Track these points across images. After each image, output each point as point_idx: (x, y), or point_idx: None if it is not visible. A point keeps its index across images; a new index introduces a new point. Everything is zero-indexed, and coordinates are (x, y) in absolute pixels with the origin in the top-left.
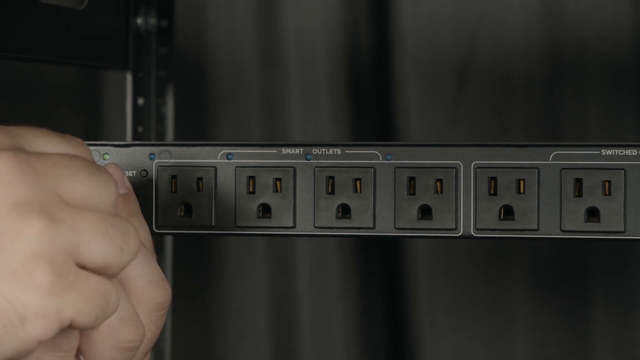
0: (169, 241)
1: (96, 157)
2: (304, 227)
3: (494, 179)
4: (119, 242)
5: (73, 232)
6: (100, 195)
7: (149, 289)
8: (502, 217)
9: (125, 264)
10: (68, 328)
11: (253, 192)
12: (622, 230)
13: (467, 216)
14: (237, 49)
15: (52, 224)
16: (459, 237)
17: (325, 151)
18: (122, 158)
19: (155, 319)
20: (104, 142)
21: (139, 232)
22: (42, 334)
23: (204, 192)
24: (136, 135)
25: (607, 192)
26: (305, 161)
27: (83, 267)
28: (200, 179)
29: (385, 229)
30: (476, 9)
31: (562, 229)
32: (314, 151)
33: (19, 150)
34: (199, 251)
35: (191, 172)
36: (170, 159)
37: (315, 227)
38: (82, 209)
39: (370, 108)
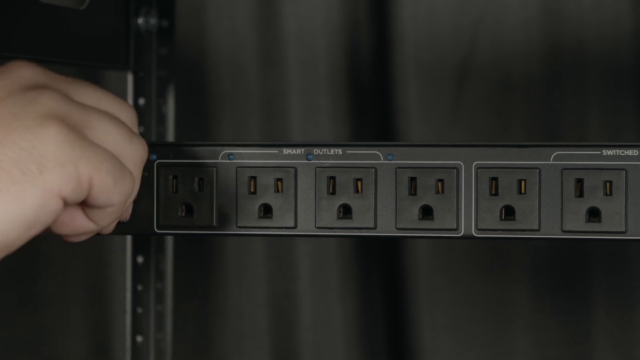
0: (169, 241)
1: None
2: (305, 227)
3: (495, 179)
4: (127, 131)
5: (83, 109)
6: (110, 103)
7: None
8: (503, 218)
9: (131, 156)
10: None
11: (254, 193)
12: (623, 230)
13: (469, 216)
14: (237, 49)
15: (63, 96)
16: (460, 238)
17: (326, 151)
18: None
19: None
20: None
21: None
22: (61, 184)
23: (205, 192)
24: None
25: (608, 193)
26: (307, 161)
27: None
28: (201, 179)
29: (387, 229)
30: (476, 9)
31: (563, 229)
32: (315, 151)
33: (33, 63)
34: (200, 251)
35: (192, 172)
36: (171, 159)
37: (317, 228)
38: (95, 108)
39: (370, 108)
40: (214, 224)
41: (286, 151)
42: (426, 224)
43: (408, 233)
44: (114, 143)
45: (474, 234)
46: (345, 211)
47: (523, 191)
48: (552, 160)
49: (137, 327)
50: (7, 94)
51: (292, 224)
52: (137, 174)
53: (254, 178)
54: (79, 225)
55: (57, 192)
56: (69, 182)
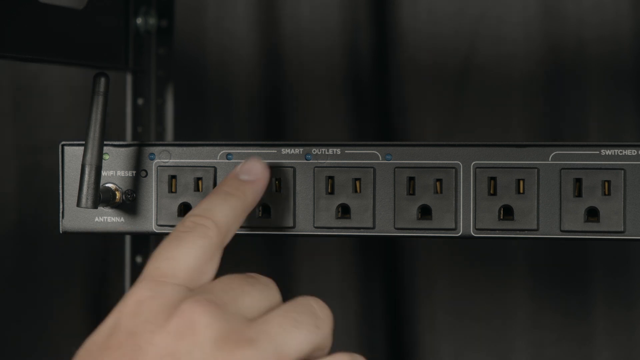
0: None
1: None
2: (304, 227)
3: (493, 179)
4: (311, 322)
5: (271, 342)
6: (268, 296)
7: None
8: (501, 217)
9: (328, 335)
10: None
11: None
12: (622, 230)
13: (467, 216)
14: (237, 49)
15: (252, 346)
16: (459, 237)
17: (324, 151)
18: (122, 158)
19: None
20: (104, 142)
21: (317, 302)
22: None
23: (204, 192)
24: (136, 135)
25: (606, 192)
26: (305, 161)
27: None
28: (199, 179)
29: (385, 229)
30: (476, 8)
31: (562, 229)
32: (314, 151)
33: (193, 295)
34: None
35: (191, 172)
36: (170, 159)
37: (315, 227)
38: (265, 317)
39: (370, 108)
40: None
41: (285, 151)
42: (425, 224)
43: (406, 233)
44: (308, 342)
45: (473, 233)
46: (344, 211)
47: (521, 191)
48: (551, 160)
49: None
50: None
51: (290, 224)
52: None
53: None
54: None
55: None
56: None
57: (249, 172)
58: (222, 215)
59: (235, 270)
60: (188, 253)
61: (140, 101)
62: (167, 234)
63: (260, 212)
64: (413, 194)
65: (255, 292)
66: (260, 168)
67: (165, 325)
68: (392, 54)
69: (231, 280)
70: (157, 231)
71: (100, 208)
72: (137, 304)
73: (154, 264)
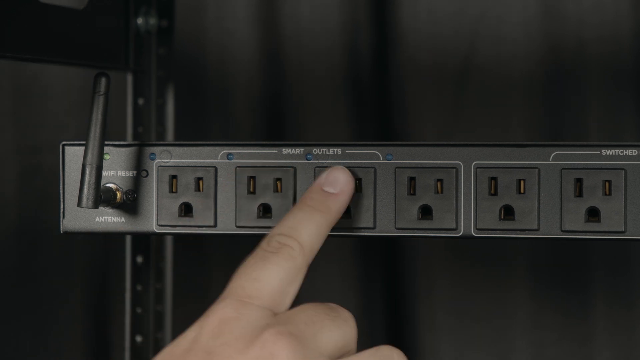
0: (169, 241)
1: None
2: None
3: (494, 179)
4: None
5: None
6: (347, 333)
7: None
8: (502, 217)
9: None
10: None
11: (253, 192)
12: (623, 230)
13: (468, 216)
14: (237, 49)
15: None
16: (460, 237)
17: (325, 151)
18: (123, 158)
19: None
20: (104, 142)
21: (400, 355)
22: None
23: (204, 192)
24: (136, 135)
25: (607, 192)
26: (306, 161)
27: None
28: (200, 179)
29: (386, 228)
30: (476, 8)
31: (563, 229)
32: (315, 151)
33: (277, 325)
34: (199, 251)
35: (191, 172)
36: (171, 159)
37: None
38: (341, 357)
39: (370, 108)
40: (213, 224)
41: (285, 151)
42: (425, 224)
43: (407, 233)
44: None
45: (473, 233)
46: (345, 211)
47: (522, 191)
48: (552, 160)
49: (137, 327)
50: None
51: None
52: None
53: (253, 178)
54: None
55: None
56: None
57: (334, 183)
58: (307, 234)
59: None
60: (273, 275)
61: (140, 101)
62: (167, 234)
63: (261, 212)
64: (414, 194)
65: (335, 328)
66: (345, 179)
67: (245, 352)
68: (392, 54)
69: (314, 313)
70: (157, 231)
71: (100, 208)
72: (220, 323)
73: (239, 282)
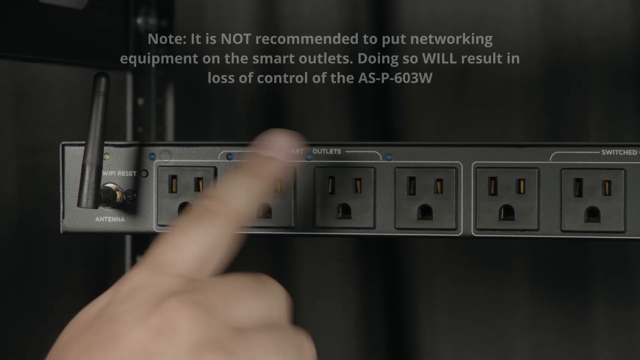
0: None
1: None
2: (305, 227)
3: (494, 179)
4: (293, 356)
5: (248, 359)
6: (269, 307)
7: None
8: (502, 217)
9: None
10: None
11: None
12: (622, 230)
13: (468, 216)
14: (237, 49)
15: (227, 358)
16: (459, 237)
17: (325, 151)
18: (123, 158)
19: None
20: (104, 142)
21: (308, 341)
22: None
23: (204, 192)
24: (136, 135)
25: (607, 192)
26: (306, 161)
27: None
28: (200, 179)
29: (386, 229)
30: (476, 8)
31: (562, 229)
32: (314, 151)
33: (183, 293)
34: None
35: (191, 172)
36: (171, 159)
37: (316, 227)
38: (254, 332)
39: (370, 108)
40: None
41: None
42: (425, 224)
43: (407, 233)
44: None
45: (473, 233)
46: (345, 211)
47: (522, 191)
48: (551, 160)
49: None
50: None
51: (291, 224)
52: None
53: None
54: None
55: None
56: None
57: (268, 147)
58: (236, 199)
59: (231, 269)
60: (194, 241)
61: (140, 101)
62: None
63: (261, 213)
64: (413, 194)
65: (254, 301)
66: (280, 142)
67: (145, 319)
68: (392, 54)
69: (233, 283)
70: (157, 231)
71: (100, 208)
72: (130, 290)
73: (157, 250)
